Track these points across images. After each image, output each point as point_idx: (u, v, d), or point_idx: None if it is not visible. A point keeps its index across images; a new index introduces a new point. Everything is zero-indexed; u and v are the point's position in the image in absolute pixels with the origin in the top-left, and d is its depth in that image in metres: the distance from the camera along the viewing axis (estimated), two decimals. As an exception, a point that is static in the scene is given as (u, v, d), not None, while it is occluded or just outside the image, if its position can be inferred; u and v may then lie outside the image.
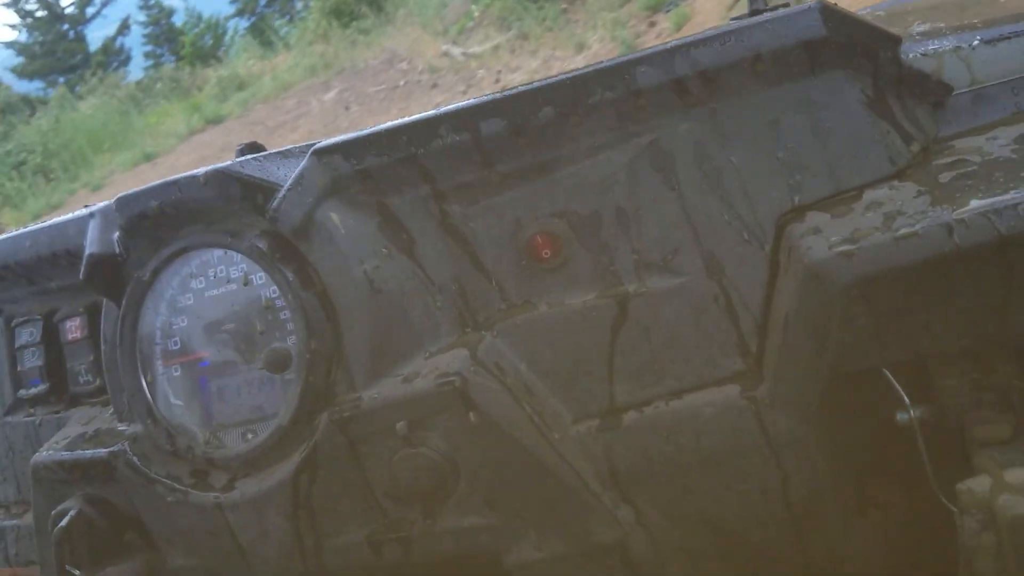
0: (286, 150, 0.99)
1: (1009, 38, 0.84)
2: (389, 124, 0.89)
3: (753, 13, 1.39)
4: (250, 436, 0.92)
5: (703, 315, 0.83)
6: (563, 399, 0.87)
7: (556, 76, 0.86)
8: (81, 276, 0.96)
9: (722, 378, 0.83)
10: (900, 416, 0.79)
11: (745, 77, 0.80)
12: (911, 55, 0.83)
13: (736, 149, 0.82)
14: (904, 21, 0.98)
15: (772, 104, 0.81)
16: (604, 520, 0.85)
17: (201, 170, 0.91)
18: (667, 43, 0.82)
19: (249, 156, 1.00)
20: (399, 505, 0.88)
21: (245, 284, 0.92)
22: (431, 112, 0.88)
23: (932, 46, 0.84)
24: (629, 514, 0.86)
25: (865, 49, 0.79)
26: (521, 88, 0.85)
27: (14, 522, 1.15)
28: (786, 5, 1.45)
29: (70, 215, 1.07)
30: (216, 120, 12.72)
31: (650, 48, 0.82)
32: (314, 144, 0.93)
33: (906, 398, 0.78)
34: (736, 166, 0.82)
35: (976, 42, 0.84)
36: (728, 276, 0.82)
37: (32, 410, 1.13)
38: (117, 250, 0.95)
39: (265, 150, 1.66)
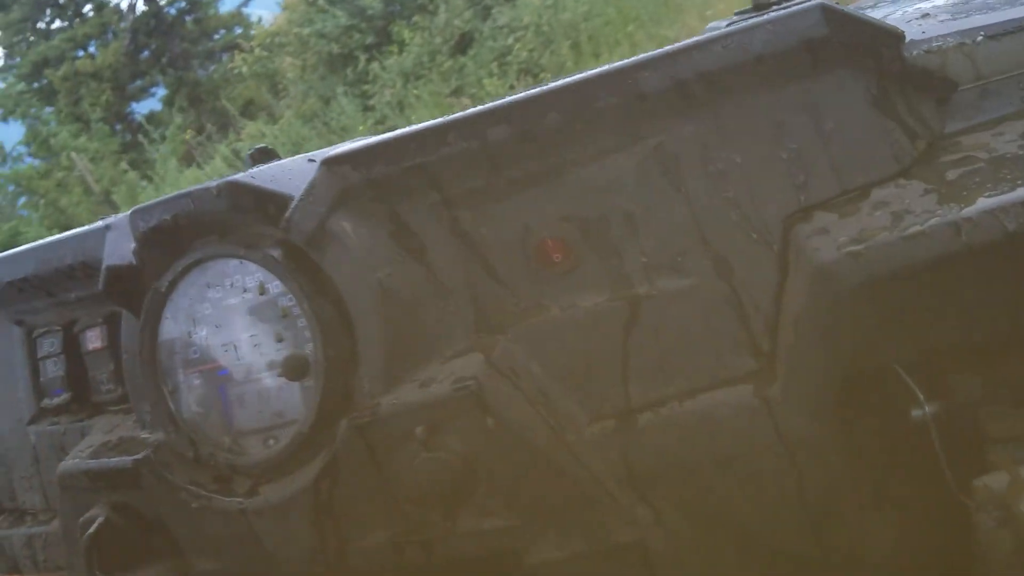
0: (295, 159, 1.00)
1: (1014, 32, 0.83)
2: (397, 133, 0.90)
3: (757, 7, 1.39)
4: (271, 442, 0.93)
5: (714, 316, 0.84)
6: (578, 401, 0.88)
7: (561, 82, 0.86)
8: (100, 288, 0.98)
9: (735, 378, 0.83)
10: (914, 413, 0.79)
11: (748, 79, 0.80)
12: (915, 52, 0.83)
13: (741, 150, 0.82)
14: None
15: (776, 105, 0.81)
16: (622, 520, 0.86)
17: (214, 182, 0.93)
18: (670, 47, 0.82)
19: (261, 166, 1.01)
20: (419, 508, 0.89)
21: (261, 293, 0.93)
22: (439, 120, 0.88)
23: (936, 42, 0.83)
24: (647, 513, 0.86)
25: (868, 48, 0.79)
26: (527, 94, 0.86)
27: (41, 529, 1.17)
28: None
29: (87, 227, 1.09)
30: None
31: (653, 52, 0.83)
32: (322, 153, 0.95)
33: (920, 395, 0.79)
34: (742, 167, 0.82)
35: (980, 37, 0.84)
36: (737, 277, 0.83)
37: (56, 419, 1.15)
38: (134, 262, 0.96)
39: (277, 155, 1.68)
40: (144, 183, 10.31)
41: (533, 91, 0.86)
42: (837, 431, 0.81)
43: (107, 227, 1.01)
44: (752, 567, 0.89)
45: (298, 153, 1.14)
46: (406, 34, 8.48)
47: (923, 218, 0.72)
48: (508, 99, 0.88)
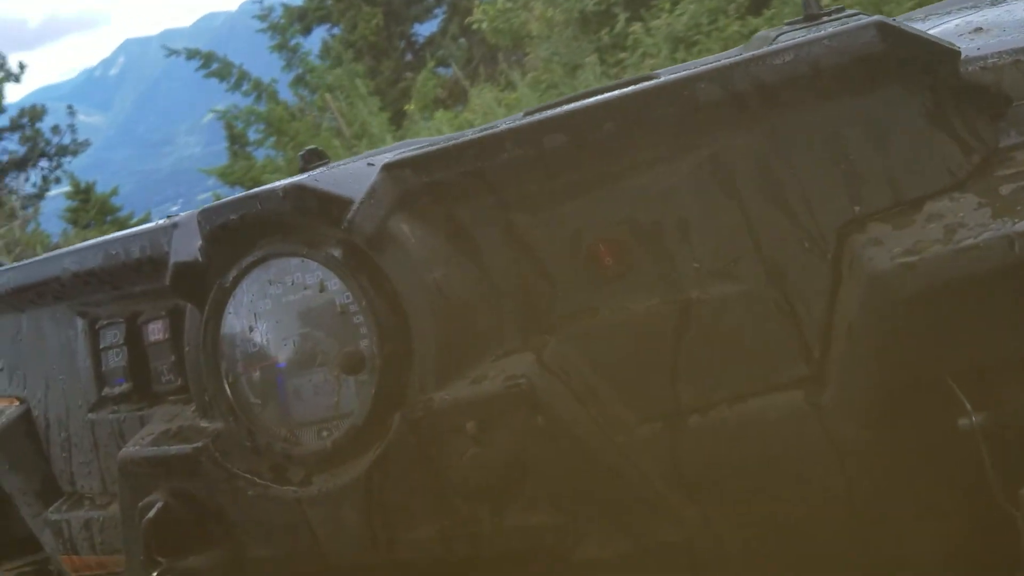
0: (356, 163, 1.03)
1: None
2: (456, 140, 0.93)
3: (808, 18, 1.40)
4: (325, 434, 0.96)
5: (766, 321, 0.85)
6: (627, 402, 0.89)
7: (617, 91, 0.88)
8: (167, 282, 1.02)
9: (785, 383, 0.85)
10: (961, 422, 0.80)
11: (804, 92, 0.82)
12: (970, 68, 0.84)
13: (796, 161, 0.84)
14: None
15: (831, 118, 0.82)
16: (670, 520, 0.88)
17: (280, 184, 0.96)
18: (727, 59, 0.84)
19: (322, 169, 1.04)
20: (468, 502, 0.92)
21: (321, 290, 0.96)
22: (496, 128, 0.91)
23: (991, 59, 0.84)
24: (694, 514, 0.88)
25: (924, 64, 0.80)
26: (583, 104, 0.88)
27: (99, 513, 1.22)
28: (840, 9, 1.46)
29: (154, 224, 1.13)
30: None
31: (710, 64, 0.85)
32: (377, 155, 0.98)
33: (968, 404, 0.80)
34: (796, 177, 0.84)
35: None
36: (790, 284, 0.84)
37: (116, 407, 1.20)
38: (200, 258, 1.00)
39: (327, 156, 1.73)
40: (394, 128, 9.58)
41: (590, 100, 0.89)
42: (886, 438, 0.82)
43: (175, 225, 1.06)
44: (798, 571, 0.90)
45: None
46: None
47: (976, 231, 0.73)
48: (565, 107, 0.90)
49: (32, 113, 17.00)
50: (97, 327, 1.21)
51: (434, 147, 0.94)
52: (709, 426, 0.86)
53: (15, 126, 16.71)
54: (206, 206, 1.00)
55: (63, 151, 16.94)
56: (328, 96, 10.58)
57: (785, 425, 0.84)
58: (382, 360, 0.92)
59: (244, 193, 0.99)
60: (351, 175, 0.98)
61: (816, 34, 0.83)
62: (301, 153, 1.79)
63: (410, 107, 10.16)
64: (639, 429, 0.89)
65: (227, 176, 10.70)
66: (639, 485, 0.87)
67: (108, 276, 1.16)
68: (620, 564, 0.90)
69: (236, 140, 11.78)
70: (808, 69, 0.81)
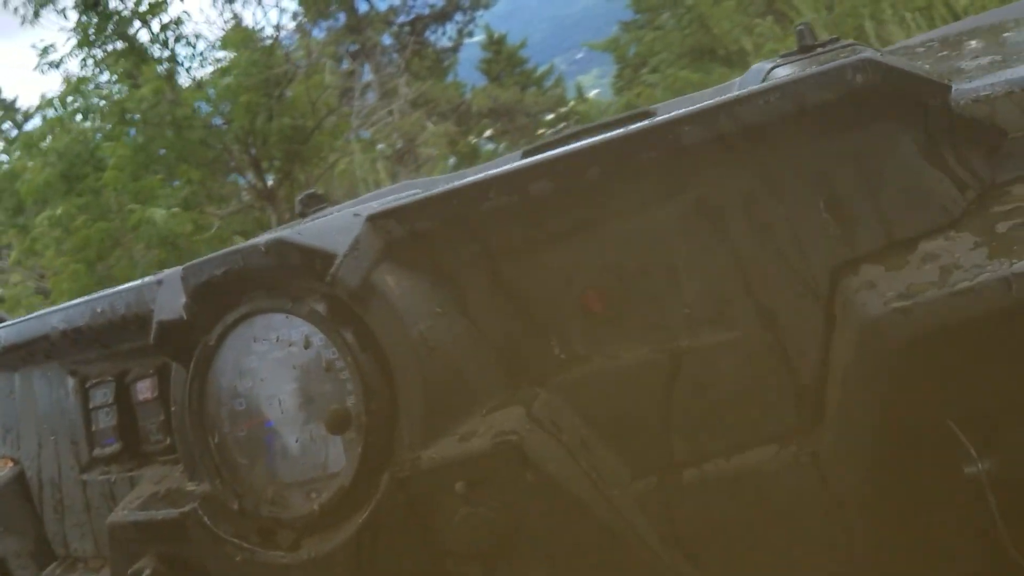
0: (341, 213, 1.02)
1: None
2: (441, 189, 0.92)
3: (803, 50, 1.38)
4: (314, 495, 0.94)
5: (759, 369, 0.83)
6: (620, 455, 0.87)
7: (600, 136, 0.87)
8: (151, 340, 1.00)
9: (782, 433, 0.82)
10: (968, 470, 0.77)
11: (792, 131, 0.80)
12: (963, 100, 0.82)
13: (786, 201, 0.82)
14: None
15: (821, 156, 0.80)
16: None
17: (262, 239, 0.95)
18: (711, 101, 0.82)
19: (307, 221, 1.03)
20: (460, 563, 0.89)
21: (306, 347, 0.94)
22: (480, 176, 0.90)
23: (984, 91, 0.82)
24: (691, 573, 0.85)
25: (914, 99, 0.78)
26: (567, 149, 0.87)
27: None
28: (835, 39, 1.44)
29: (139, 281, 1.12)
30: None
31: (694, 106, 0.83)
32: (360, 205, 0.96)
33: (973, 451, 0.76)
34: (787, 218, 0.82)
35: None
36: (783, 329, 0.82)
37: (107, 468, 1.18)
38: (184, 316, 0.98)
39: (324, 200, 1.71)
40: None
41: (574, 146, 0.87)
42: (887, 488, 0.79)
43: (159, 282, 1.04)
44: None
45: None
46: None
47: (972, 273, 0.71)
48: (548, 154, 0.89)
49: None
50: (87, 386, 1.20)
51: (418, 196, 0.93)
52: (704, 480, 0.83)
53: (435, -22, 16.93)
54: (189, 263, 0.98)
55: (477, 4, 16.96)
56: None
57: (783, 477, 0.81)
58: (368, 418, 0.89)
59: (227, 249, 0.97)
60: (335, 227, 0.96)
61: (803, 72, 0.81)
62: (299, 198, 1.78)
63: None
64: (633, 484, 0.86)
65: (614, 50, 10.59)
66: (634, 543, 0.84)
67: (96, 334, 1.15)
68: None
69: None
70: (795, 108, 0.79)
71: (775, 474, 0.82)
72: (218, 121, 10.25)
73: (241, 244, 0.97)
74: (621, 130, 0.86)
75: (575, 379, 0.88)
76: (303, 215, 1.65)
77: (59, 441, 1.24)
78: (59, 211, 8.66)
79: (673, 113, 0.84)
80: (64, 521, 1.24)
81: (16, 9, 10.55)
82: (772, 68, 1.29)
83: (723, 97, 0.83)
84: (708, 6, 9.62)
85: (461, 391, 0.90)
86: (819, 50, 1.33)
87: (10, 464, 1.33)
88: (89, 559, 1.22)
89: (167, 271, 1.07)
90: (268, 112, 10.09)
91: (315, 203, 1.71)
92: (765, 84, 0.82)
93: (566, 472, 0.85)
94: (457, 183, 0.91)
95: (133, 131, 9.47)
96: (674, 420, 0.85)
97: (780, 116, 0.79)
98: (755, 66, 1.51)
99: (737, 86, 1.54)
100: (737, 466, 0.83)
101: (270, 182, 10.63)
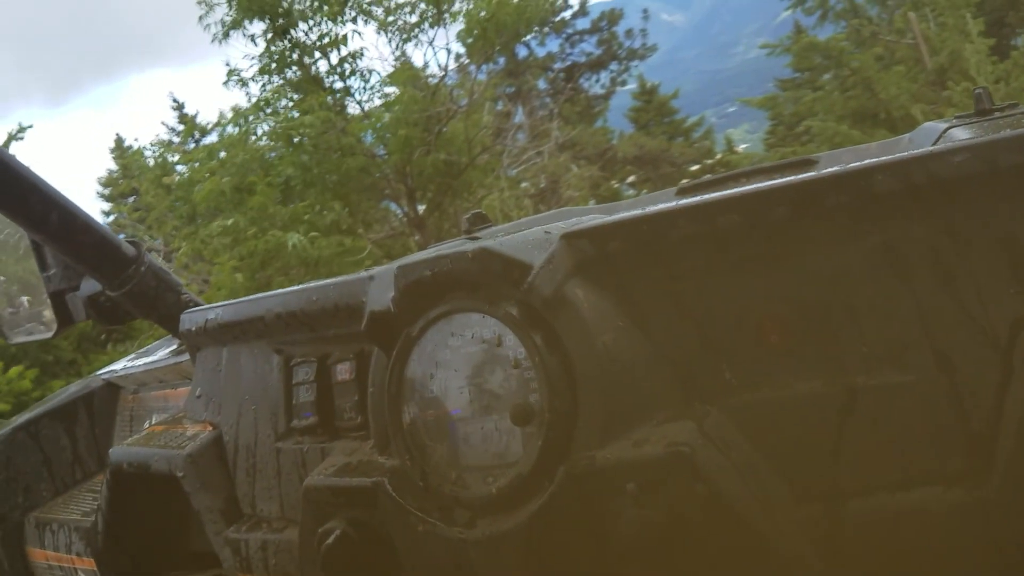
0: (533, 231, 1.12)
1: None
2: (632, 214, 1.00)
3: (980, 113, 1.39)
4: (491, 480, 1.03)
5: (932, 412, 0.86)
6: (786, 480, 0.91)
7: (792, 176, 0.93)
8: (363, 328, 1.13)
9: (950, 476, 0.84)
10: None
11: (982, 190, 0.83)
12: None
13: (971, 255, 0.85)
14: None
15: (1010, 215, 0.84)
16: None
17: (469, 246, 1.06)
18: (905, 152, 0.87)
19: (505, 236, 1.14)
20: (623, 561, 0.95)
21: (498, 345, 1.04)
22: (671, 205, 0.98)
23: None
24: None
25: None
26: (758, 186, 0.93)
27: (275, 536, 1.32)
28: (1013, 105, 1.44)
29: (352, 276, 1.26)
30: None
31: (888, 156, 0.88)
32: (556, 227, 1.06)
33: None
34: (970, 270, 0.85)
35: None
36: (959, 375, 0.85)
37: (301, 439, 1.31)
38: (392, 308, 1.11)
39: (489, 220, 1.83)
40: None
41: (766, 184, 0.94)
42: None
43: (371, 277, 1.18)
44: None
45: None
46: None
47: None
48: (739, 190, 0.96)
49: (611, 16, 18.07)
50: (291, 364, 1.34)
51: (611, 220, 1.02)
52: (868, 512, 0.86)
53: (594, 28, 17.75)
54: (403, 263, 1.11)
55: (632, 55, 17.81)
56: (911, 15, 9.35)
57: (948, 518, 0.83)
58: (551, 414, 0.98)
59: (436, 253, 1.09)
60: (529, 242, 1.07)
61: (998, 135, 0.85)
62: (466, 216, 1.92)
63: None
64: (797, 509, 0.90)
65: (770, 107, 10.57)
66: (794, 566, 0.88)
67: (307, 318, 1.29)
68: None
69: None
70: (987, 168, 0.83)
71: (940, 515, 0.84)
72: (380, 151, 10.85)
73: (448, 250, 1.09)
74: (813, 173, 0.92)
75: (747, 402, 0.94)
76: (468, 232, 1.77)
77: (259, 411, 1.39)
78: (230, 221, 9.37)
79: (867, 161, 0.89)
80: (255, 484, 1.39)
81: (208, 26, 11.50)
82: (947, 128, 1.31)
83: (918, 151, 0.87)
84: (875, 71, 9.31)
85: (637, 400, 0.97)
86: (996, 114, 1.34)
87: (210, 428, 1.49)
88: (273, 520, 1.35)
89: (378, 268, 1.20)
90: (426, 146, 10.60)
91: (480, 222, 1.83)
92: (959, 143, 0.86)
93: (733, 489, 0.90)
94: (649, 210, 0.99)
95: (304, 156, 10.11)
96: (843, 452, 0.89)
97: (971, 174, 0.83)
98: (926, 124, 1.52)
99: (906, 143, 1.56)
100: (901, 502, 0.86)
101: (420, 210, 11.12)
